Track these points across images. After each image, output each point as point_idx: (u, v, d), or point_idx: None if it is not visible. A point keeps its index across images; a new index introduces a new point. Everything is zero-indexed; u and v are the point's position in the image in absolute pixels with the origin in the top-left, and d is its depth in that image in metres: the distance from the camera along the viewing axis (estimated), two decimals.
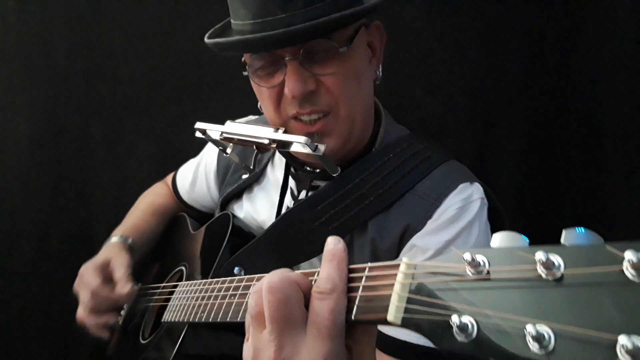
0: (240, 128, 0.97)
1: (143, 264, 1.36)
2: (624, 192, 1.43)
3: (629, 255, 0.34)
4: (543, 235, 0.45)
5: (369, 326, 0.55)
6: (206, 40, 0.99)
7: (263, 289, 0.52)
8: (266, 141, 0.93)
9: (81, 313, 1.14)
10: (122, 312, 1.20)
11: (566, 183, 1.48)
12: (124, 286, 1.11)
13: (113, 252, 1.20)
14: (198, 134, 1.03)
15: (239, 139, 0.97)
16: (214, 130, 1.00)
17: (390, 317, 0.47)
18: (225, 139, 0.99)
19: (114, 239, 1.26)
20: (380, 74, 1.03)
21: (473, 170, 1.03)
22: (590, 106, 1.45)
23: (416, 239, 0.93)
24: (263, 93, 0.96)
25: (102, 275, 1.14)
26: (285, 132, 0.94)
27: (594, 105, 1.45)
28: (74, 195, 1.87)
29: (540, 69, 1.49)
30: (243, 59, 1.00)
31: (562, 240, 0.39)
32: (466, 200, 0.94)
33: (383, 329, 0.88)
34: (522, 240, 0.42)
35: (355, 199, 0.97)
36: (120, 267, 1.14)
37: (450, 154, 1.04)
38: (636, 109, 1.39)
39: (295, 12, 0.85)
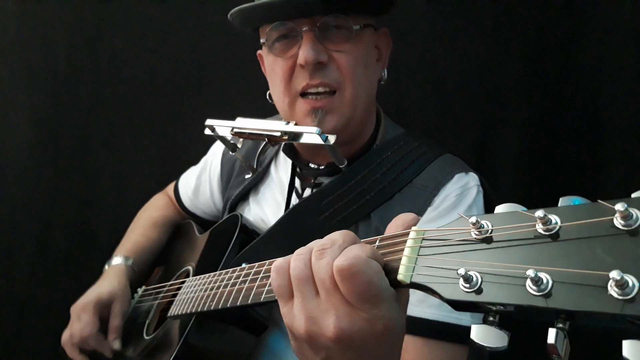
0: (252, 123, 1.00)
1: (146, 269, 1.37)
2: (624, 192, 1.43)
3: (618, 206, 0.38)
4: None
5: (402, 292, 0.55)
6: (230, 13, 1.02)
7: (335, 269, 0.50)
8: (278, 133, 0.97)
9: (66, 340, 1.16)
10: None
11: (566, 183, 1.48)
12: (113, 341, 1.14)
13: (117, 286, 1.20)
14: (207, 131, 1.05)
15: (250, 133, 1.00)
16: (225, 127, 1.02)
17: (400, 276, 0.50)
18: (236, 134, 1.01)
19: (116, 260, 1.28)
20: (386, 75, 1.08)
21: (473, 170, 1.04)
22: (590, 106, 1.45)
23: (419, 226, 0.94)
24: (276, 69, 1.01)
25: (99, 315, 1.15)
26: (295, 124, 0.98)
27: (594, 105, 1.45)
28: (74, 196, 1.87)
29: (540, 69, 1.49)
30: (258, 53, 1.06)
31: (559, 204, 0.44)
32: (463, 187, 0.99)
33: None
34: (521, 207, 0.46)
35: (358, 194, 1.01)
36: (118, 315, 1.17)
37: (444, 148, 1.09)
38: (636, 108, 1.39)
39: None
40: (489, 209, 1.02)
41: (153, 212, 1.46)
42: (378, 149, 1.06)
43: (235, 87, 1.71)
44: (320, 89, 0.97)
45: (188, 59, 1.78)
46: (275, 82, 1.02)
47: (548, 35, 1.48)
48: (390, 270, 0.51)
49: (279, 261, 0.56)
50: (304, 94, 0.99)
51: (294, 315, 0.54)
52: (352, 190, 1.02)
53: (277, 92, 1.03)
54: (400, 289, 0.52)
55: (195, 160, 1.43)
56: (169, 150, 1.82)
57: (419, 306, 0.89)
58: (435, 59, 1.58)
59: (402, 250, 0.51)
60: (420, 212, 0.97)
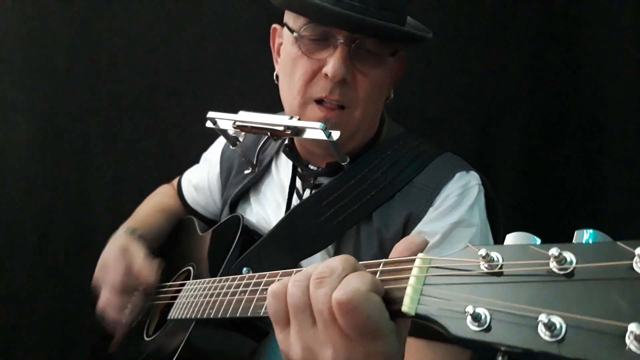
0: (255, 116, 0.98)
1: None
2: (624, 192, 1.43)
3: (639, 251, 0.35)
4: (543, 234, 0.45)
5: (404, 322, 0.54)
6: None
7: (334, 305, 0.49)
8: (281, 128, 0.94)
9: (107, 295, 1.12)
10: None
11: (566, 183, 1.48)
12: (150, 274, 1.11)
13: (125, 241, 1.17)
14: (209, 124, 1.03)
15: (252, 127, 0.98)
16: (227, 120, 1.00)
17: (405, 308, 0.48)
18: (239, 127, 0.99)
19: (121, 231, 1.24)
20: (392, 95, 1.08)
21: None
22: (590, 106, 1.45)
23: (422, 226, 0.96)
24: (298, 65, 0.97)
25: (125, 258, 1.12)
26: (299, 119, 0.96)
27: (594, 105, 1.45)
28: (74, 195, 1.87)
29: (540, 68, 1.49)
30: (274, 26, 1.05)
31: (574, 240, 0.41)
32: (465, 186, 0.98)
33: None
34: (534, 239, 0.44)
35: (358, 194, 1.01)
36: (139, 252, 1.14)
37: (443, 147, 1.08)
38: (636, 108, 1.39)
39: (369, 7, 0.90)
40: (489, 208, 1.01)
41: (162, 198, 1.44)
42: (378, 148, 1.06)
43: (235, 87, 1.71)
44: (334, 103, 0.96)
45: (188, 59, 1.78)
46: (294, 79, 0.99)
47: (548, 35, 1.48)
48: (393, 300, 0.49)
49: (275, 286, 0.55)
50: (318, 101, 0.97)
51: (291, 343, 0.53)
52: (352, 189, 1.01)
53: (291, 88, 1.00)
54: (401, 319, 0.51)
55: (194, 160, 1.43)
56: (168, 150, 1.82)
57: None
58: (435, 59, 1.58)
59: (407, 279, 0.49)
60: (422, 212, 0.96)
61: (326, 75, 0.93)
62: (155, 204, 1.41)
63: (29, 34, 1.83)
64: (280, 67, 1.05)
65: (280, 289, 0.54)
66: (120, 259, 1.11)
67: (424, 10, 1.57)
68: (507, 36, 1.51)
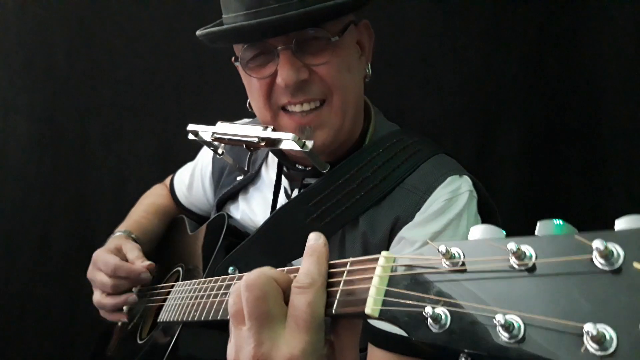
0: (231, 128, 0.98)
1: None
2: (624, 192, 1.43)
3: (596, 244, 0.34)
4: None
5: (352, 321, 0.55)
6: (198, 33, 0.99)
7: (241, 286, 0.52)
8: (255, 139, 0.94)
9: (98, 296, 1.12)
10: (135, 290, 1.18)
11: (566, 183, 1.48)
12: (143, 266, 1.10)
13: (121, 240, 1.19)
14: (190, 136, 1.03)
15: (229, 139, 0.98)
16: (206, 132, 1.00)
17: (368, 309, 0.47)
18: (217, 139, 1.00)
19: (118, 233, 1.25)
20: (370, 72, 1.03)
21: (473, 170, 1.03)
22: (590, 106, 1.45)
23: (404, 232, 0.93)
24: (253, 85, 0.96)
25: (118, 256, 1.13)
26: (274, 129, 0.94)
27: (594, 105, 1.45)
28: (74, 195, 1.87)
29: (540, 69, 1.49)
30: (233, 59, 1.00)
31: (537, 231, 0.40)
32: (454, 192, 0.93)
33: (375, 322, 0.88)
34: (498, 232, 0.42)
35: (346, 194, 0.97)
36: (133, 250, 1.14)
37: (440, 147, 1.04)
38: (636, 108, 1.39)
39: (289, 2, 0.86)
40: (484, 214, 0.97)
41: (155, 199, 1.44)
42: (368, 147, 1.01)
43: (234, 87, 1.70)
44: (305, 107, 0.93)
45: (187, 59, 1.77)
46: (254, 97, 0.98)
47: (548, 35, 1.48)
48: (357, 302, 0.49)
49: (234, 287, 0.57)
50: (285, 109, 0.95)
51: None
52: (340, 190, 0.97)
53: (257, 106, 0.99)
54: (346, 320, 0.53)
55: (193, 160, 1.43)
56: (168, 150, 1.82)
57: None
58: (435, 59, 1.58)
59: (371, 278, 0.49)
60: (409, 217, 0.92)
61: (281, 87, 0.92)
62: (149, 205, 1.41)
63: (29, 34, 1.83)
64: (248, 94, 1.02)
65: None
66: (110, 259, 1.11)
67: (424, 10, 1.57)
68: (507, 36, 1.51)
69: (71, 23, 1.82)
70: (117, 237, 1.23)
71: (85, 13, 1.81)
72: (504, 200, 1.52)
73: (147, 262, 1.11)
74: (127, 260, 1.13)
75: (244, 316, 0.52)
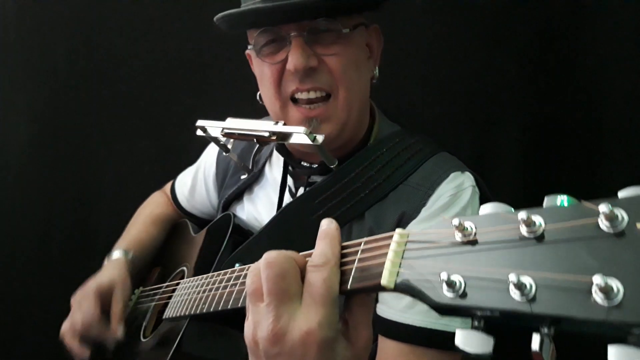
0: (241, 123, 1.00)
1: (145, 268, 1.36)
2: None
3: (602, 208, 0.37)
4: None
5: (365, 299, 0.57)
6: (216, 18, 1.02)
7: (261, 265, 0.55)
8: (266, 134, 0.96)
9: (66, 330, 1.14)
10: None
11: (566, 183, 1.48)
12: (117, 328, 1.12)
13: (117, 276, 1.19)
14: (199, 132, 1.04)
15: (239, 134, 0.99)
16: (215, 127, 1.02)
17: (384, 281, 0.49)
18: (226, 134, 1.01)
19: (116, 253, 1.27)
20: (377, 74, 1.06)
21: (473, 170, 1.04)
22: (591, 106, 1.45)
23: (412, 226, 0.95)
24: (265, 73, 0.99)
25: (101, 303, 1.14)
26: (284, 124, 0.96)
27: (594, 105, 1.44)
28: (74, 195, 1.87)
29: (540, 69, 1.49)
30: (246, 50, 1.03)
31: (545, 205, 0.42)
32: (458, 187, 0.96)
33: (384, 313, 0.90)
34: (507, 207, 0.45)
35: (351, 192, 1.00)
36: (120, 302, 1.15)
37: (440, 146, 1.07)
38: (636, 108, 1.39)
39: None
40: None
41: (154, 208, 1.45)
42: (372, 146, 1.05)
43: (235, 87, 1.71)
44: (312, 95, 0.96)
45: (187, 59, 1.77)
46: (265, 85, 1.01)
47: (548, 35, 1.48)
48: (372, 276, 0.51)
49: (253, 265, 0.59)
50: (295, 100, 0.98)
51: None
52: (345, 188, 1.00)
53: (267, 95, 1.02)
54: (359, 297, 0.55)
55: (194, 160, 1.43)
56: (168, 150, 1.82)
57: (407, 312, 0.88)
58: (435, 59, 1.58)
59: (386, 254, 0.51)
60: (414, 212, 0.95)
61: (291, 71, 0.94)
62: (147, 216, 1.43)
63: (29, 34, 1.83)
64: (258, 84, 1.06)
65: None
66: (91, 313, 1.11)
67: (424, 10, 1.57)
68: (507, 36, 1.51)
69: (71, 23, 1.82)
70: (115, 263, 1.23)
71: (85, 13, 1.81)
72: (503, 200, 1.52)
73: (121, 330, 1.12)
74: (111, 308, 1.14)
75: (262, 293, 0.54)
